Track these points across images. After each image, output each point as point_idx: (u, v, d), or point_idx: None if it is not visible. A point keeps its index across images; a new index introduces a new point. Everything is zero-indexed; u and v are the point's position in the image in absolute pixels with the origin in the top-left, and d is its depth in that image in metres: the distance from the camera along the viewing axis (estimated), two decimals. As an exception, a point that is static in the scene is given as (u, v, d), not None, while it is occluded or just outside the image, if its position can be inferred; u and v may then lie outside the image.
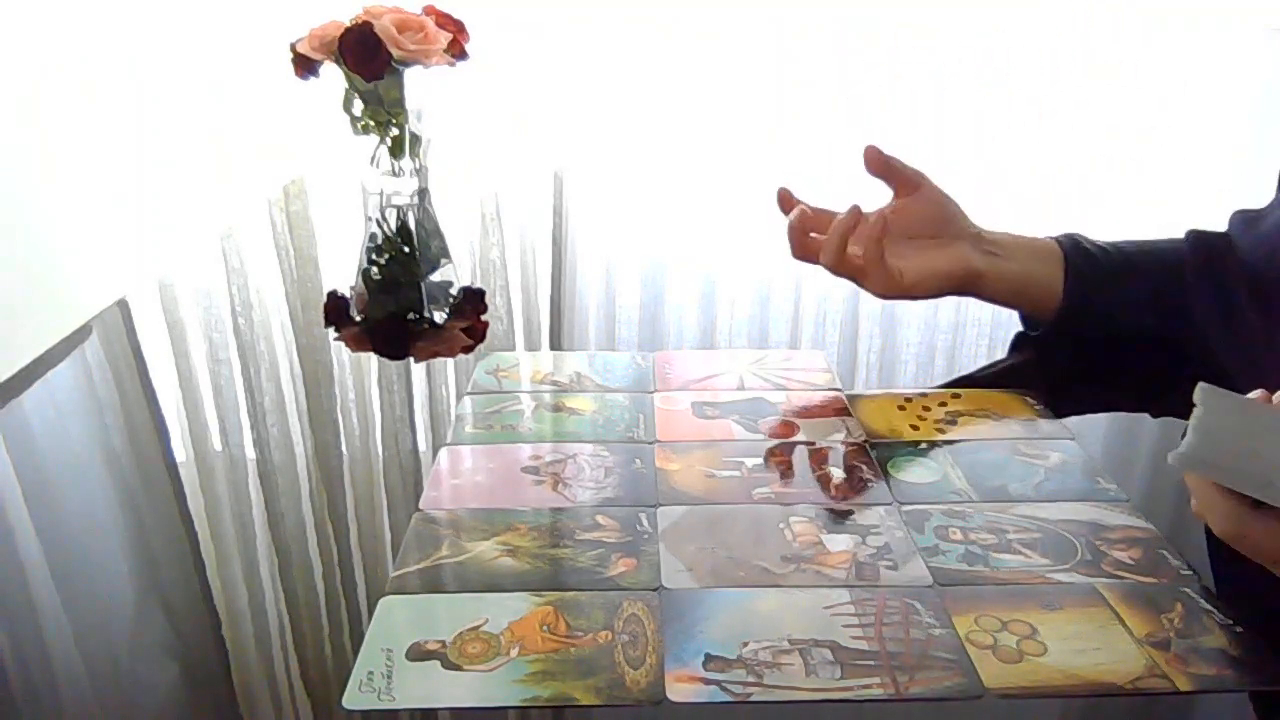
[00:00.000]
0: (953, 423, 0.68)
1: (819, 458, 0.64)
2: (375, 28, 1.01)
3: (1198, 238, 0.75)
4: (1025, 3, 1.84)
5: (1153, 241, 0.76)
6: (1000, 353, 0.81)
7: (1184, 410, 0.50)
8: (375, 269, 0.98)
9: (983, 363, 0.80)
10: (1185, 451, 0.48)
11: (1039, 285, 0.74)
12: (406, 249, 1.04)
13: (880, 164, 0.73)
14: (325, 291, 0.92)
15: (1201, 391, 0.50)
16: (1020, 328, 0.80)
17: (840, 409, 0.70)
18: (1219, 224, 0.76)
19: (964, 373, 0.78)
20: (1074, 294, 0.73)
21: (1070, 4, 1.83)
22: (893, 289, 0.72)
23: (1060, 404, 0.70)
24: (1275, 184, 0.73)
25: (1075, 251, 0.74)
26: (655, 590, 0.51)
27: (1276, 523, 0.45)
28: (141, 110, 1.77)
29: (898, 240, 0.72)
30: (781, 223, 0.74)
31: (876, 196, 0.75)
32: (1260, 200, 0.75)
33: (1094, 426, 0.70)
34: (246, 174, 1.54)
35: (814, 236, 0.73)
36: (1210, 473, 0.48)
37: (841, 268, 0.71)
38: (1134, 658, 0.46)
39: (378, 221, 1.09)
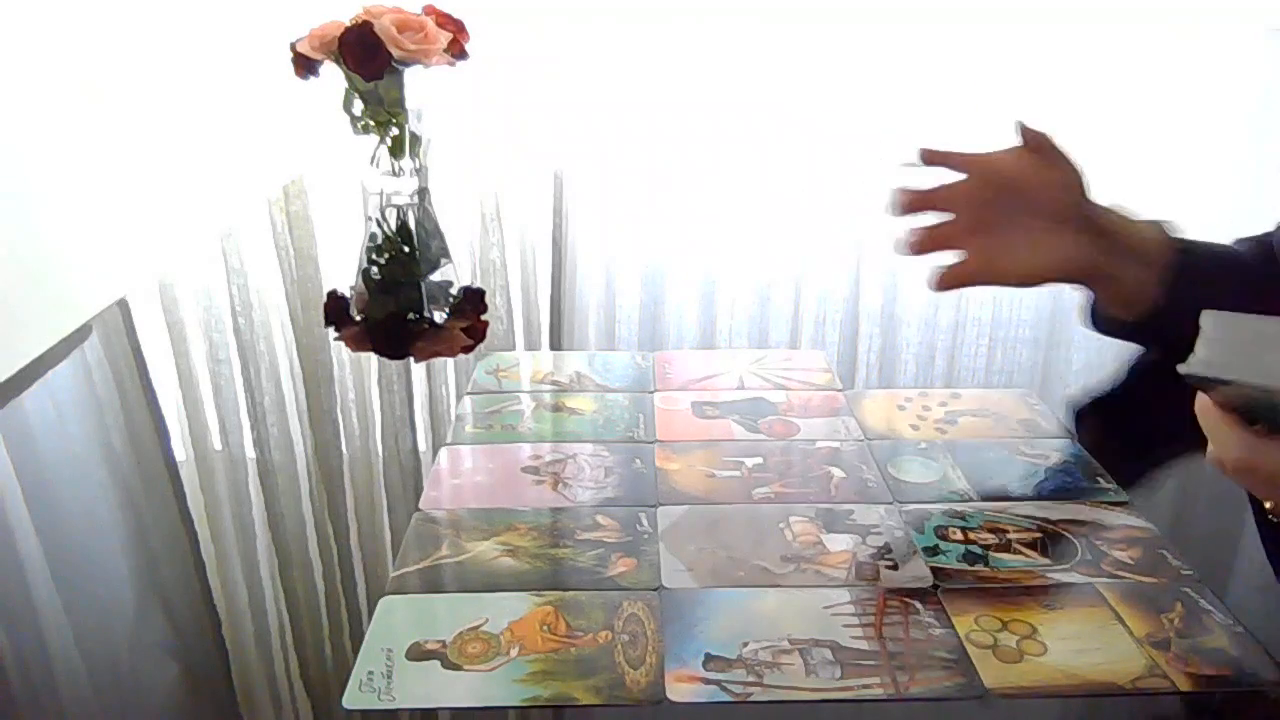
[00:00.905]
0: (953, 423, 0.68)
1: (819, 458, 0.64)
2: (375, 28, 1.02)
3: (1256, 244, 0.71)
4: (1026, 4, 1.84)
5: (1224, 246, 0.71)
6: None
7: None
8: (375, 269, 0.98)
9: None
10: (1194, 359, 0.46)
11: (1136, 288, 0.68)
12: (406, 249, 1.04)
13: (1032, 137, 0.67)
14: (325, 291, 0.92)
15: (1207, 315, 0.48)
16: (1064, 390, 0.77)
17: (840, 409, 0.70)
18: (1218, 224, 0.76)
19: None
20: (1171, 297, 0.67)
21: (1071, 4, 1.83)
22: (993, 279, 0.69)
23: (1130, 473, 0.63)
24: None
25: (1176, 250, 0.68)
26: (655, 590, 0.51)
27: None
28: (142, 110, 1.77)
29: (1014, 218, 0.67)
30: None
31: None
32: (1260, 199, 0.75)
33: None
34: (246, 174, 1.54)
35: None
36: (1222, 373, 0.46)
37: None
38: (1134, 658, 0.46)
39: (378, 221, 1.09)
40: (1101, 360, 0.79)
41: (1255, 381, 0.45)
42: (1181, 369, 0.47)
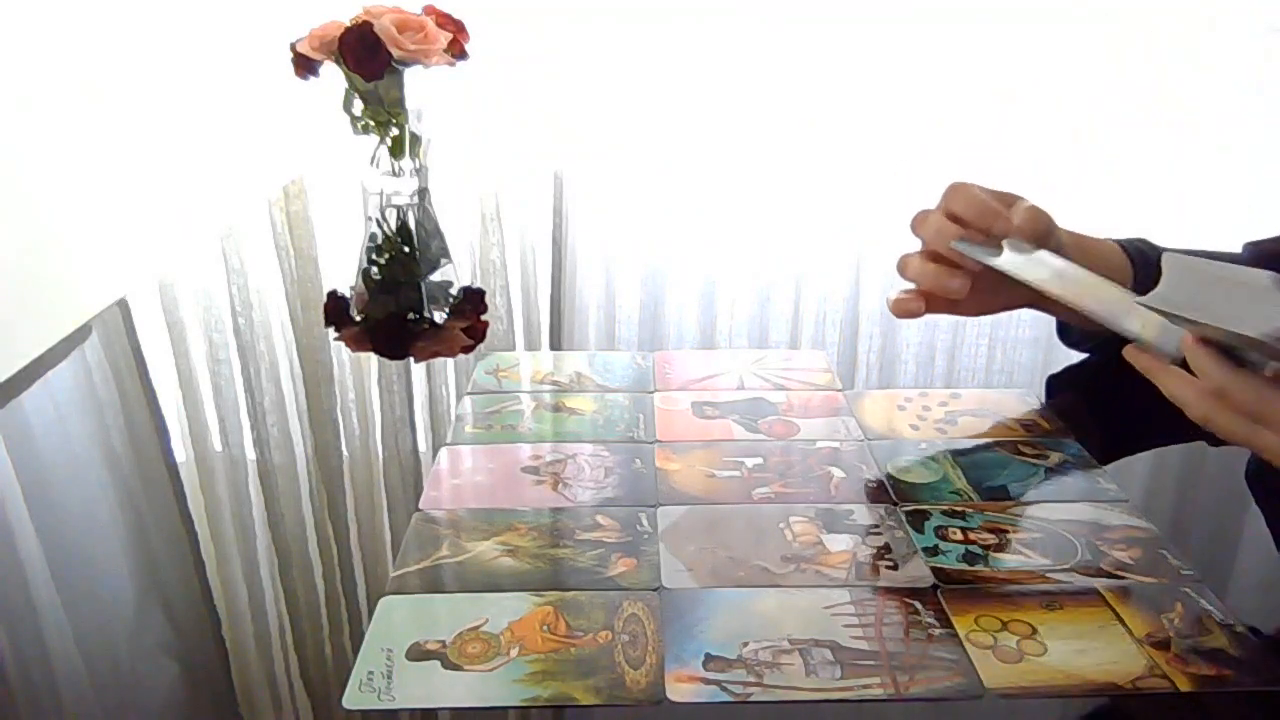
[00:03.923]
0: (953, 423, 0.68)
1: (819, 458, 0.64)
2: (375, 28, 1.02)
3: (1256, 249, 0.71)
4: (1026, 4, 1.84)
5: (1216, 254, 0.70)
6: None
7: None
8: (375, 269, 0.98)
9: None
10: (1153, 294, 0.51)
11: None
12: (406, 249, 1.04)
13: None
14: (325, 291, 0.92)
15: (1168, 257, 0.53)
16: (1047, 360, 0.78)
17: (840, 409, 0.70)
18: (1218, 224, 0.76)
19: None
20: None
21: (1071, 5, 1.83)
22: (950, 310, 0.68)
23: (1110, 447, 0.65)
24: None
25: (1141, 261, 0.69)
26: (655, 590, 0.51)
27: (1255, 378, 0.48)
28: (142, 110, 1.77)
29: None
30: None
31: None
32: (1259, 200, 0.75)
33: (1093, 426, 0.70)
34: (246, 174, 1.54)
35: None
36: (1178, 309, 0.50)
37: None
38: (1134, 658, 0.46)
39: (378, 221, 1.09)
40: (1102, 360, 0.79)
41: (1209, 321, 0.49)
42: (1139, 300, 0.52)
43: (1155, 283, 0.69)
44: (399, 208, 1.11)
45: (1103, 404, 0.73)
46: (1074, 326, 0.74)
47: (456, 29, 1.07)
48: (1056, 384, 0.75)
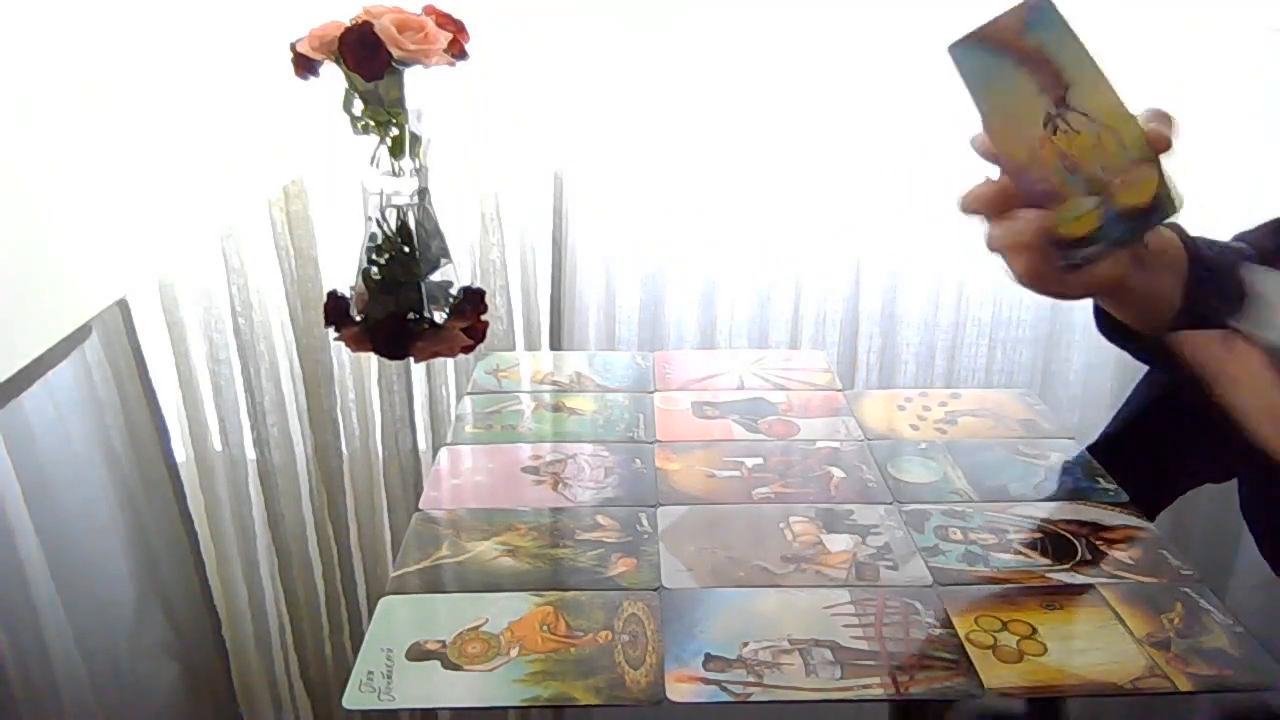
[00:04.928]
0: (953, 423, 0.68)
1: (819, 458, 0.64)
2: (375, 28, 1.02)
3: (1244, 238, 0.70)
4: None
5: (1233, 249, 0.64)
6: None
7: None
8: (375, 269, 0.98)
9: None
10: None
11: (1160, 299, 0.59)
12: (406, 249, 1.04)
13: None
14: (325, 291, 0.92)
15: (1249, 272, 0.53)
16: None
17: (840, 409, 0.70)
18: (1219, 225, 0.76)
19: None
20: (1191, 307, 0.59)
21: (1071, 5, 1.83)
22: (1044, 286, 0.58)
23: (1161, 497, 0.62)
24: None
25: (1196, 259, 0.61)
26: (655, 590, 0.51)
27: None
28: (142, 110, 1.77)
29: None
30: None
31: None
32: (1260, 199, 0.75)
33: (1094, 426, 0.70)
34: (246, 174, 1.54)
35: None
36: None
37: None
38: (1134, 658, 0.46)
39: (378, 221, 1.09)
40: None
41: None
42: (1260, 338, 0.49)
43: (1207, 288, 0.60)
44: (399, 208, 1.11)
45: (1151, 456, 0.68)
46: (1116, 322, 0.63)
47: (456, 29, 1.07)
48: (1108, 439, 0.69)
